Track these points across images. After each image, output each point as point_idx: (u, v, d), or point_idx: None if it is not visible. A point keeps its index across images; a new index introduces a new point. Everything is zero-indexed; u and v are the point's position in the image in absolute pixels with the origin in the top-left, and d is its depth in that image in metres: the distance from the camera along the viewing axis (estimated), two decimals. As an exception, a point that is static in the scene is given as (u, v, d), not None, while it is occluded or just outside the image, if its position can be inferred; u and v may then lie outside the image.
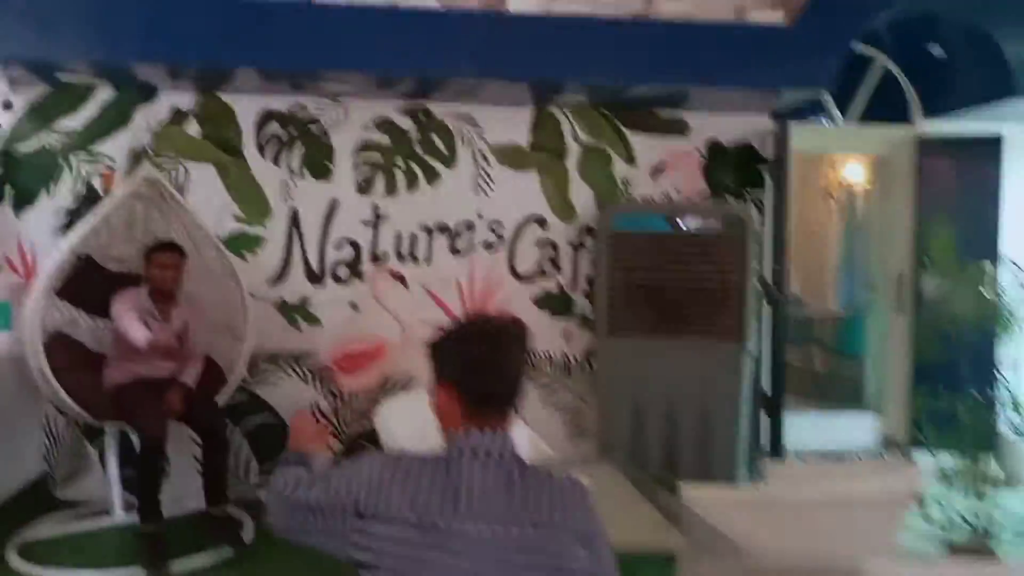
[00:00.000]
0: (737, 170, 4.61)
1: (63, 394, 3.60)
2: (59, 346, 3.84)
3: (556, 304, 4.60)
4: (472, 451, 1.43)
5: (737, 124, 4.58)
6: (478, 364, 1.46)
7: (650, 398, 4.19)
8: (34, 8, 3.68)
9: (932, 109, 4.75)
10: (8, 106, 4.23)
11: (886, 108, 4.80)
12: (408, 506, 1.37)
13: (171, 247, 3.84)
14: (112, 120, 4.29)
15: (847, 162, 6.41)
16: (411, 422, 3.46)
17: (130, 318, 3.68)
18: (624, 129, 4.57)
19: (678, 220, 4.16)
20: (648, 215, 4.25)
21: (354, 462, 1.48)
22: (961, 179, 4.67)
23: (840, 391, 6.05)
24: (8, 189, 4.27)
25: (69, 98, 4.26)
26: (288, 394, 4.40)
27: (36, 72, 4.06)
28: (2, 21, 3.67)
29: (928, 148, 4.72)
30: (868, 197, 5.71)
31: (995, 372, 4.40)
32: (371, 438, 4.10)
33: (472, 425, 1.45)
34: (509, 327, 1.52)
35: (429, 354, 1.53)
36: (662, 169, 4.59)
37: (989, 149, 4.62)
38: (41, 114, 4.26)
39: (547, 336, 4.52)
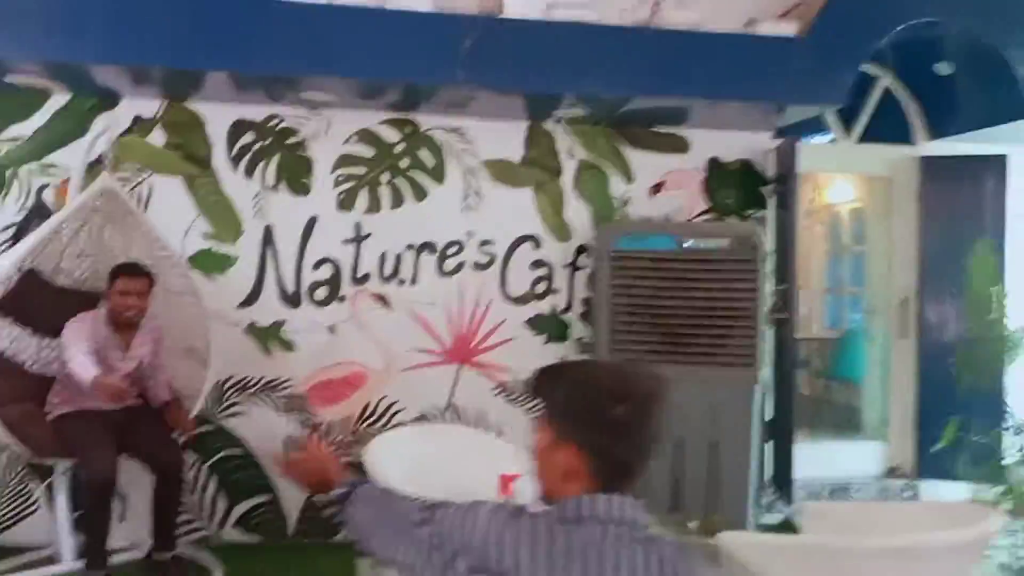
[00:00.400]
0: (739, 189, 4.43)
1: (-1, 426, 3.20)
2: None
3: (551, 327, 4.33)
4: (602, 521, 1.24)
5: (739, 141, 4.39)
6: (618, 430, 1.26)
7: (653, 429, 3.93)
8: (-20, 1, 3.32)
9: (936, 130, 4.64)
10: (-51, 112, 3.84)
11: (888, 128, 4.68)
12: None
13: (136, 271, 3.47)
14: (67, 128, 3.93)
15: (832, 183, 6.31)
16: (406, 459, 3.16)
17: (77, 349, 3.29)
18: (622, 146, 4.36)
19: (684, 239, 3.93)
20: (652, 234, 4.02)
21: (463, 508, 1.29)
22: (965, 199, 4.55)
23: (833, 417, 5.88)
24: (-52, 203, 3.87)
25: (19, 103, 3.88)
26: (258, 426, 4.07)
27: (-19, 74, 3.68)
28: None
29: (932, 167, 4.60)
30: (860, 217, 5.58)
31: (1003, 400, 4.29)
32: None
33: (598, 490, 1.26)
34: (653, 385, 1.29)
35: (542, 398, 1.32)
36: (661, 188, 4.38)
37: (994, 168, 4.51)
38: (-14, 121, 3.88)
39: (541, 361, 4.22)
